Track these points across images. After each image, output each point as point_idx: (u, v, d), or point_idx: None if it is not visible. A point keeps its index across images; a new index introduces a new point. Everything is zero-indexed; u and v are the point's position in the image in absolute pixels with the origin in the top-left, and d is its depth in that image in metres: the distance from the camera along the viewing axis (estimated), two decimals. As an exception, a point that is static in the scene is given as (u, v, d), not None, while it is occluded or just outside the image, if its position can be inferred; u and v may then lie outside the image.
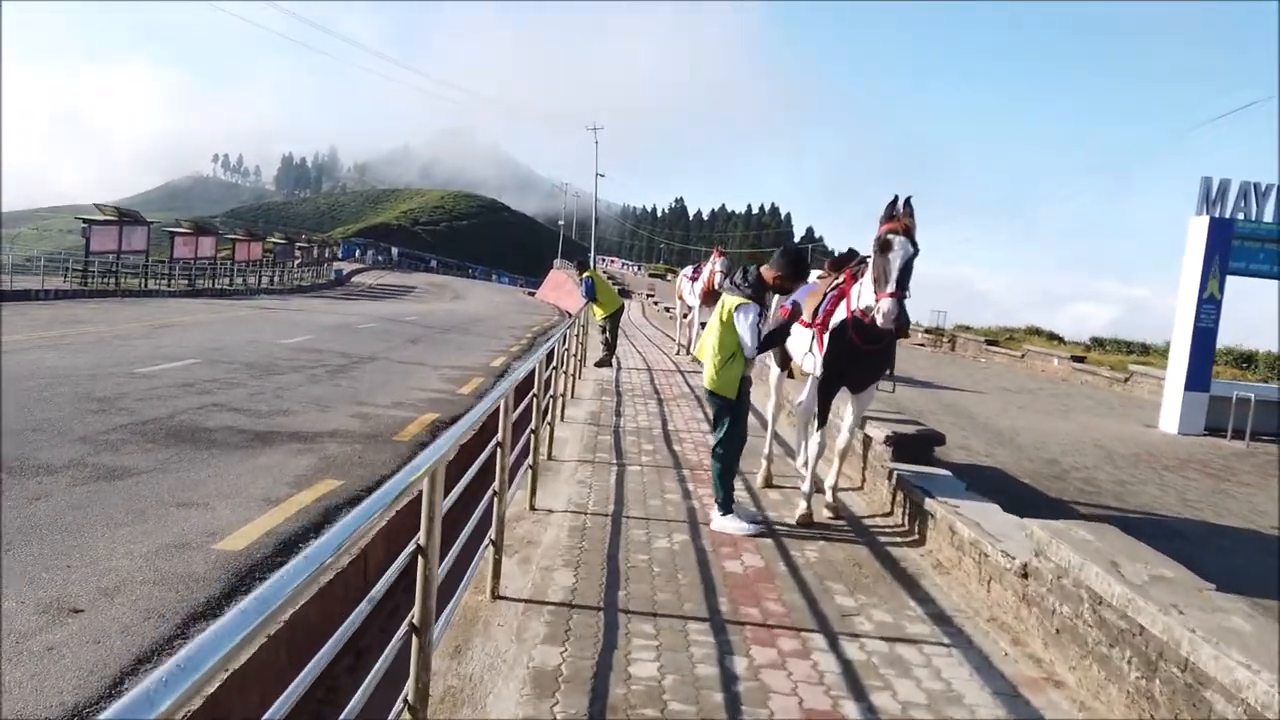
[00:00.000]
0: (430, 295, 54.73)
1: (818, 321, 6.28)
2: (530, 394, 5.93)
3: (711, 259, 16.28)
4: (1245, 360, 21.66)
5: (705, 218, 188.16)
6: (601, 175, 68.26)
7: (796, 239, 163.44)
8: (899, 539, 5.78)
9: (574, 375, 12.12)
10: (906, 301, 5.63)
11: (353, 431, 9.68)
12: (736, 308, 5.73)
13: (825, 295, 6.32)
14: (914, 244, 5.46)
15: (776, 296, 6.21)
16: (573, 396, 11.33)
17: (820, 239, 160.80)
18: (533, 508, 6.02)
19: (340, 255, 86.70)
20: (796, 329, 6.58)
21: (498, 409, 4.29)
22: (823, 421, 6.17)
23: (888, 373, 6.18)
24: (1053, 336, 27.05)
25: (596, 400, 11.58)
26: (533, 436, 5.99)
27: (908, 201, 5.64)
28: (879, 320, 5.41)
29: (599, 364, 15.62)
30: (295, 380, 12.79)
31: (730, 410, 5.81)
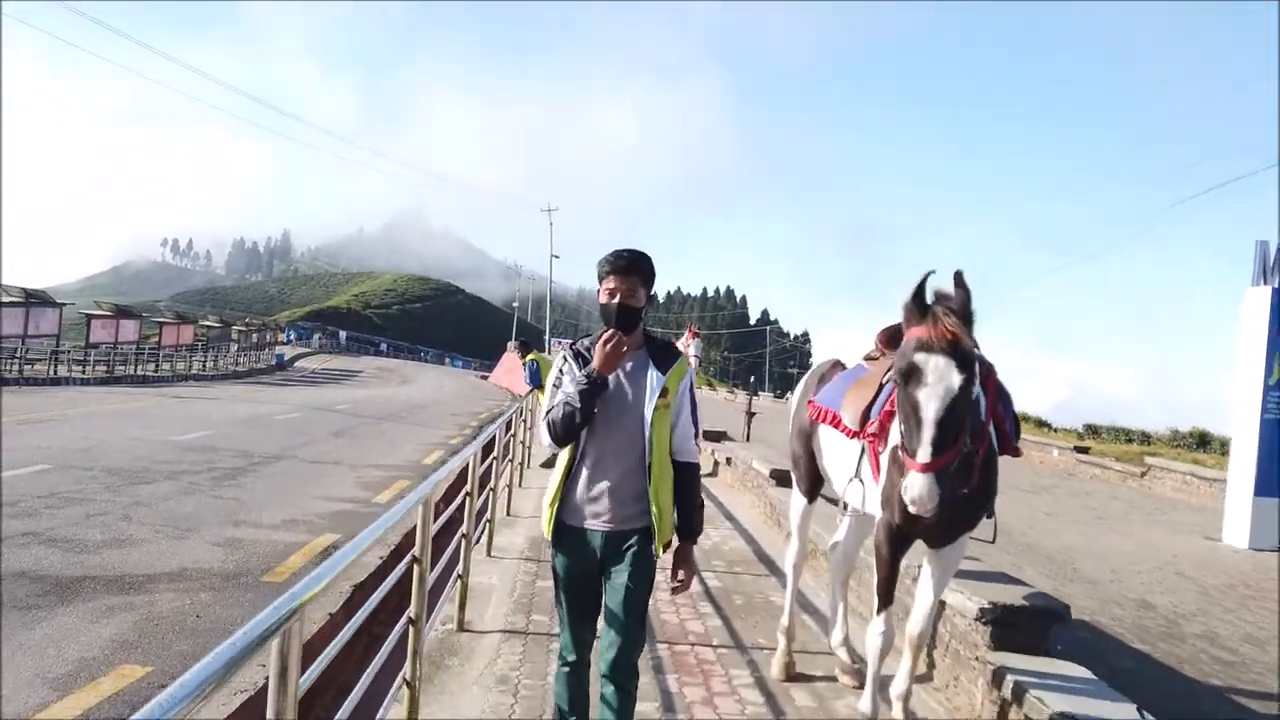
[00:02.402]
0: (375, 380, 51.75)
1: (869, 430, 3.94)
2: (409, 555, 3.55)
3: (684, 339, 13.97)
4: (1201, 443, 20.14)
5: (661, 300, 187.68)
6: (557, 257, 66.53)
7: (752, 321, 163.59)
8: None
9: (510, 485, 9.68)
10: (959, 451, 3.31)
11: (208, 569, 7.15)
12: None
13: (881, 388, 3.98)
14: (964, 366, 3.18)
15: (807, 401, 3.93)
16: (508, 514, 8.88)
17: (775, 321, 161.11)
18: (411, 752, 3.57)
19: (285, 339, 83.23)
20: (839, 440, 4.25)
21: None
22: (888, 598, 3.77)
23: (986, 515, 3.84)
24: (1041, 423, 25.17)
25: (540, 518, 9.13)
26: (411, 629, 3.57)
27: (958, 277, 3.36)
28: (910, 507, 3.18)
29: (546, 464, 13.17)
30: (164, 491, 10.18)
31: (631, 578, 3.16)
